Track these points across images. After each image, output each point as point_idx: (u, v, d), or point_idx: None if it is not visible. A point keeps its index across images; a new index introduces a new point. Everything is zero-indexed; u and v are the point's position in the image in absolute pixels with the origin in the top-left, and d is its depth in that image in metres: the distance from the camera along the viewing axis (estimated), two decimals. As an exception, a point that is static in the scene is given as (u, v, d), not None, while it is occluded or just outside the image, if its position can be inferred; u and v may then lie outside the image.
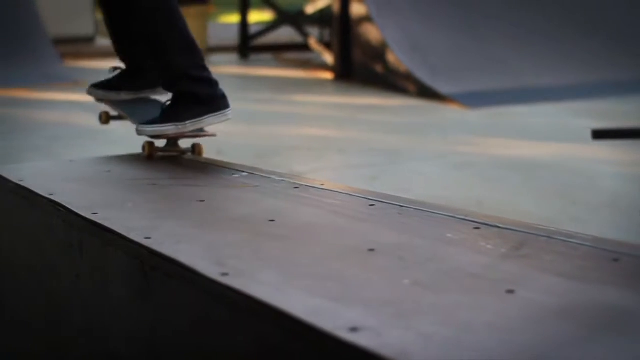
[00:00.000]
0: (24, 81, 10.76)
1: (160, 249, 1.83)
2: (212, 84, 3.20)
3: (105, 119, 3.67)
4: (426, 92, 9.93)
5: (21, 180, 2.71)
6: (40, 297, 2.59)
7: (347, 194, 2.37)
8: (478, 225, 1.97)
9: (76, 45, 15.19)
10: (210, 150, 6.91)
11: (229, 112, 3.35)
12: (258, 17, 18.72)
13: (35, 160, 6.63)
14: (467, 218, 2.03)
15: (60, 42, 13.65)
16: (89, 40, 16.29)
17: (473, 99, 9.54)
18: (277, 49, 14.96)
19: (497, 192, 5.84)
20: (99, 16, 17.72)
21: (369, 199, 2.27)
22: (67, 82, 10.95)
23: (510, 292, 1.49)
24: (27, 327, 2.76)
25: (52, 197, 2.44)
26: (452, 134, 7.91)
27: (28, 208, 2.61)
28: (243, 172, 2.74)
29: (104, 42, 16.50)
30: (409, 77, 10.28)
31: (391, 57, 10.59)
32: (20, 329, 2.85)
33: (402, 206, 2.18)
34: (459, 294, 1.49)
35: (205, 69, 3.20)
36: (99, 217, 2.16)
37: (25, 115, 8.93)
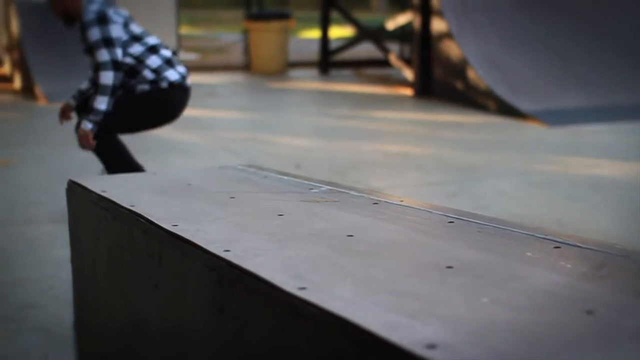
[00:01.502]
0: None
1: (239, 262, 1.85)
2: None
3: None
4: (506, 110, 9.87)
5: (104, 192, 2.76)
6: (119, 305, 2.62)
7: (426, 210, 2.36)
8: (558, 244, 1.95)
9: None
10: (289, 164, 6.99)
11: None
12: (339, 32, 18.79)
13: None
14: (546, 237, 2.01)
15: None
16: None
17: (553, 117, 9.45)
18: (357, 64, 15.00)
19: (577, 211, 5.77)
20: (182, 32, 18.00)
21: (448, 216, 2.26)
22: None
23: (590, 312, 1.47)
24: (105, 335, 2.80)
25: (133, 209, 2.48)
26: (532, 152, 7.84)
27: (110, 219, 2.65)
28: (322, 186, 2.75)
29: (187, 56, 16.73)
30: (489, 94, 10.23)
31: (471, 74, 10.55)
32: (99, 336, 2.89)
33: (481, 224, 2.17)
34: (537, 313, 1.47)
35: None
36: (178, 229, 2.19)
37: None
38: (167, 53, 5.61)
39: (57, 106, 10.25)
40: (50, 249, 4.80)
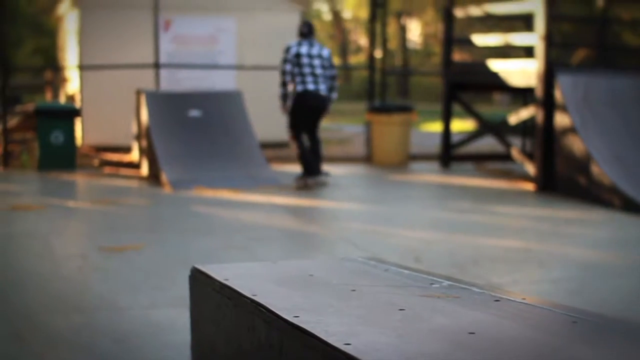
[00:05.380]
0: (231, 183, 11.15)
1: (360, 356, 1.85)
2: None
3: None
4: (631, 206, 9.67)
5: (226, 280, 2.80)
6: (238, 395, 2.64)
7: (549, 309, 2.33)
8: (687, 349, 1.90)
9: (282, 149, 15.66)
10: (408, 257, 6.98)
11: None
12: (460, 126, 18.80)
13: (238, 260, 6.82)
14: (675, 341, 1.96)
15: (267, 145, 14.16)
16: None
17: (682, 215, 9.22)
18: (478, 158, 14.95)
19: None
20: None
21: (572, 316, 2.22)
22: (272, 185, 11.27)
23: None
24: None
25: (255, 298, 2.51)
26: (659, 251, 7.65)
27: (231, 307, 2.69)
28: (443, 282, 2.74)
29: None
30: (613, 190, 10.05)
31: (595, 169, 10.40)
32: None
33: (605, 324, 2.13)
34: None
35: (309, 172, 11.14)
36: (300, 320, 2.20)
37: (230, 215, 9.24)
38: (308, 79, 10.86)
39: (182, 194, 10.53)
40: (170, 333, 4.87)
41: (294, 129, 11.06)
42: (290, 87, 10.99)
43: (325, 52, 11.17)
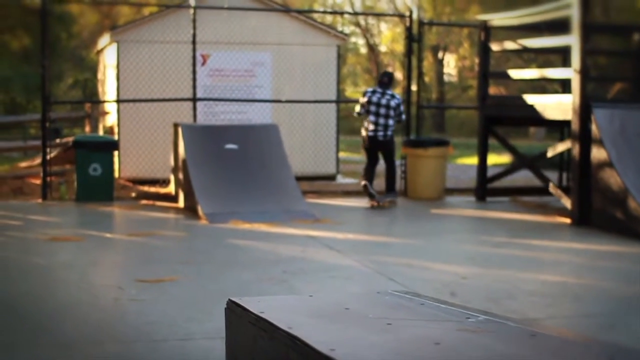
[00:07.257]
0: (267, 216, 11.18)
1: (395, 389, 1.86)
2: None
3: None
4: (669, 241, 9.59)
5: (262, 312, 2.82)
6: None
7: (585, 345, 2.33)
8: None
9: (318, 183, 15.70)
10: (444, 291, 6.95)
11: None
12: (496, 159, 18.74)
13: (274, 293, 6.84)
14: None
15: (302, 178, 14.20)
16: (331, 178, 16.80)
17: None
18: (514, 192, 14.88)
19: None
20: (341, 156, 18.34)
21: (609, 353, 2.22)
22: (308, 218, 11.28)
23: None
24: None
25: (290, 331, 2.52)
26: (697, 286, 7.57)
27: (267, 339, 2.70)
28: (479, 316, 2.74)
29: (344, 180, 16.97)
30: (651, 224, 9.98)
31: (632, 203, 10.33)
32: None
33: (642, 360, 2.12)
34: None
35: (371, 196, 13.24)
36: (335, 354, 2.22)
37: (266, 248, 9.25)
38: (370, 126, 12.84)
39: (218, 226, 10.56)
40: (206, 366, 4.89)
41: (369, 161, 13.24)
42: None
43: (393, 103, 12.93)
